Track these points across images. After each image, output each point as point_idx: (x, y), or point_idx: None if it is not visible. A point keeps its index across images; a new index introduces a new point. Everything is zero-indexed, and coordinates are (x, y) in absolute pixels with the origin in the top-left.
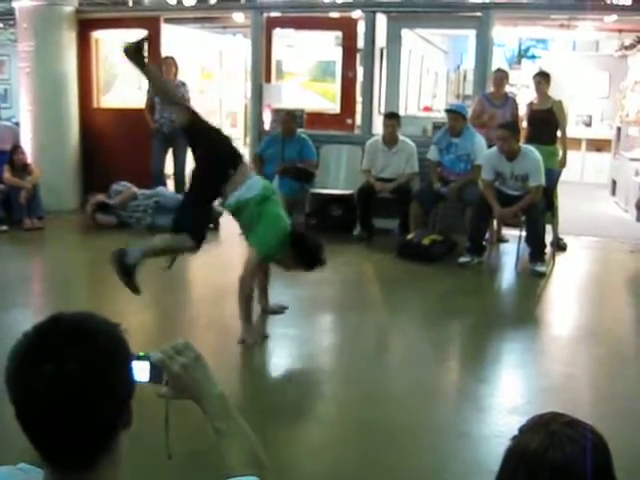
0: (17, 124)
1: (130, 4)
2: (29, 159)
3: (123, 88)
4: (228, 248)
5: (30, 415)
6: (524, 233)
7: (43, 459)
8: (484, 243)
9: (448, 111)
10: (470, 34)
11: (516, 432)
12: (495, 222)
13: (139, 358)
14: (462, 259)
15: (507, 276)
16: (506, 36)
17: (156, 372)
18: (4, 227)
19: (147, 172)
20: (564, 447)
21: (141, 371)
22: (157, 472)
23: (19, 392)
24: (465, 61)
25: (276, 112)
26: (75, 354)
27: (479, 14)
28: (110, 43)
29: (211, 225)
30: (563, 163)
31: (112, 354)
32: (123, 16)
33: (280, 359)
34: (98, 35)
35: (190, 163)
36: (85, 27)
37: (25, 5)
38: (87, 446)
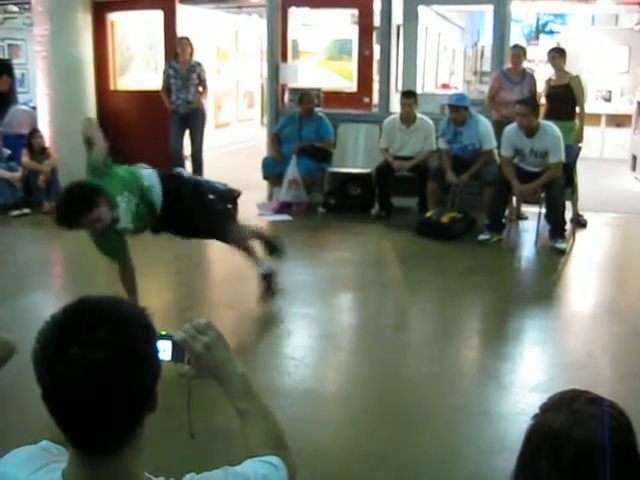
0: (34, 108)
1: None
2: (47, 143)
3: (139, 70)
4: None
5: (57, 399)
6: (544, 210)
7: (69, 442)
8: (503, 220)
9: (449, 106)
10: (487, 10)
11: (537, 410)
12: (514, 199)
13: (161, 337)
14: (481, 237)
15: (527, 253)
16: (524, 11)
17: (178, 351)
18: (25, 210)
19: (165, 153)
20: (587, 425)
21: (163, 350)
22: (179, 451)
23: (46, 375)
24: (482, 37)
25: (293, 91)
26: (104, 340)
27: None
28: (126, 25)
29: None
30: (580, 138)
31: (141, 341)
32: None
33: (300, 338)
34: (114, 17)
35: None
36: (100, 9)
37: None
38: (112, 431)
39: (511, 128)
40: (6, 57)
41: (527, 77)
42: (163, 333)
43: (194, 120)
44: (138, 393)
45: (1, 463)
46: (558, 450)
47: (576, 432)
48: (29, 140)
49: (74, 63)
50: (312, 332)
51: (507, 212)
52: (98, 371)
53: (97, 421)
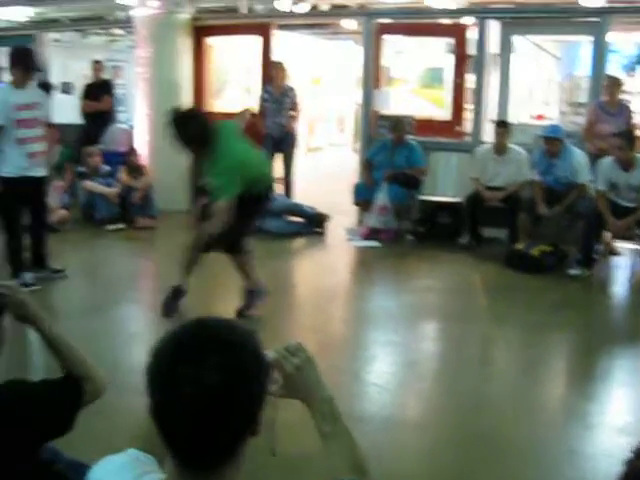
0: (132, 127)
1: (243, 11)
2: (145, 161)
3: (233, 92)
4: (333, 253)
5: (166, 415)
6: (639, 246)
7: (172, 456)
8: (595, 256)
9: (544, 137)
10: (584, 40)
11: (628, 453)
12: (607, 234)
13: None
14: (572, 271)
15: (619, 290)
16: (623, 42)
17: None
18: (120, 225)
19: None
20: None
21: None
22: (260, 469)
23: (158, 391)
24: (578, 68)
25: (384, 118)
26: (217, 363)
27: (596, 19)
28: (223, 49)
29: (318, 229)
30: None
31: (252, 367)
32: (237, 23)
33: (383, 365)
34: (211, 41)
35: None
36: (200, 34)
37: (144, 13)
38: (216, 450)
39: (607, 161)
40: (109, 77)
41: (624, 109)
42: None
43: (286, 143)
44: (244, 417)
45: (95, 470)
46: None
47: None
48: (127, 158)
49: (173, 85)
50: (395, 359)
51: (599, 247)
52: (209, 393)
53: (202, 440)
